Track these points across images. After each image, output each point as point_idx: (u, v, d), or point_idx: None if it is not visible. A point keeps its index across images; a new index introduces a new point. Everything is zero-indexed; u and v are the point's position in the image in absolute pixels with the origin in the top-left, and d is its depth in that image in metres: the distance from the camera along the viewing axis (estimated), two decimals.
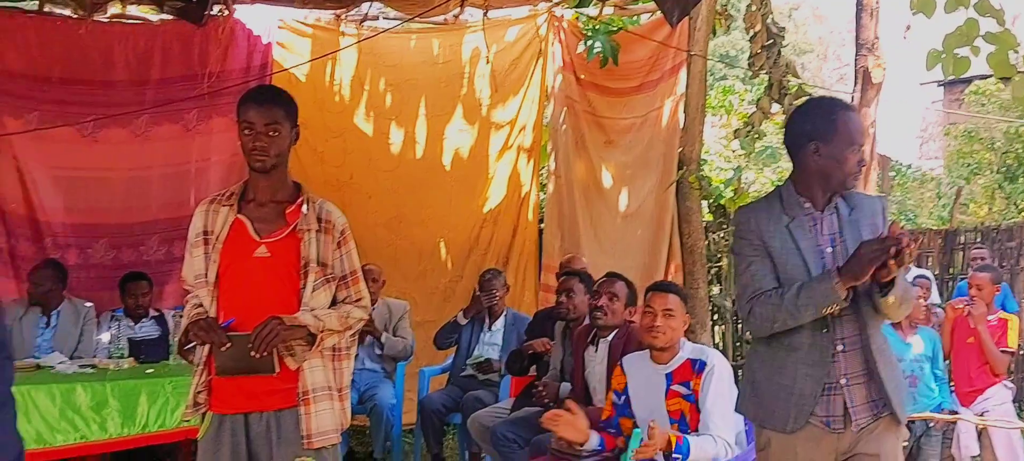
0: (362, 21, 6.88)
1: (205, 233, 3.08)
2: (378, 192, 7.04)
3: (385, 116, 7.04)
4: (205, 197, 6.24)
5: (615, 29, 6.94)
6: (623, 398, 3.98)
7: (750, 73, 6.85)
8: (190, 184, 6.59)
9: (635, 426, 3.85)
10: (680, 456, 3.59)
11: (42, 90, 6.26)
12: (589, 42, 6.71)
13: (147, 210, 6.52)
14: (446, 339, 6.20)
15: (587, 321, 4.81)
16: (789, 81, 6.16)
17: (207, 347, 2.99)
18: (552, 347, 5.37)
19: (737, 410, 3.18)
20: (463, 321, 6.14)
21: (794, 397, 2.85)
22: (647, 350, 3.95)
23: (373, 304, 6.23)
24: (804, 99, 5.98)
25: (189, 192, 6.57)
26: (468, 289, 7.14)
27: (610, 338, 4.56)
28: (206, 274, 3.05)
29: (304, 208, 3.08)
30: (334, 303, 3.11)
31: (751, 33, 6.20)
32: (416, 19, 6.77)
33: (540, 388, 5.00)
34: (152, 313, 5.99)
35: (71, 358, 5.41)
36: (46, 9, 6.40)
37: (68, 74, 6.30)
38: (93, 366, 5.23)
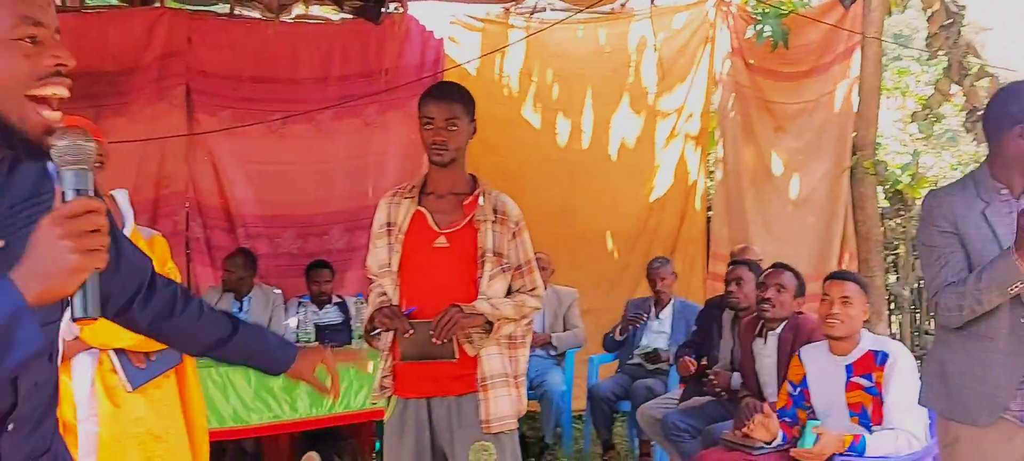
0: (530, 13, 7.00)
1: (388, 225, 3.24)
2: (546, 182, 7.13)
3: (552, 107, 7.13)
4: (383, 189, 6.51)
5: (785, 12, 6.79)
6: (799, 389, 3.93)
7: (927, 54, 6.59)
8: (369, 176, 6.87)
9: (809, 418, 3.80)
10: (854, 454, 3.53)
11: (234, 88, 6.66)
12: (758, 26, 6.59)
13: (330, 201, 6.84)
14: (612, 348, 6.28)
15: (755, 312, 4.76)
16: (969, 61, 5.89)
17: (391, 334, 3.16)
18: (697, 365, 5.33)
19: (920, 402, 3.09)
20: (619, 337, 6.18)
21: (987, 388, 2.75)
22: (825, 341, 3.89)
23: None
24: (985, 80, 5.72)
25: (368, 184, 6.86)
26: (635, 277, 7.17)
27: (779, 331, 4.48)
28: (389, 263, 3.20)
29: (481, 200, 3.19)
30: (510, 292, 3.22)
31: (928, 12, 5.96)
32: (583, 9, 6.84)
33: (711, 377, 4.99)
34: (335, 299, 6.29)
35: None
36: (237, 12, 6.83)
37: (257, 73, 6.69)
38: None
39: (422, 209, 3.19)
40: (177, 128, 6.53)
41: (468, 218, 3.16)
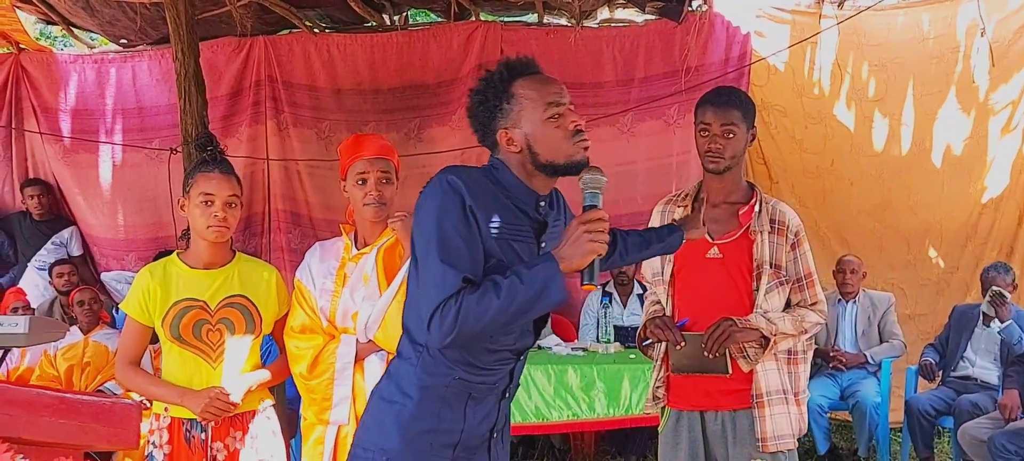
0: (841, 2, 6.62)
1: None
2: (861, 178, 6.71)
3: (868, 100, 6.66)
4: (685, 188, 6.42)
5: None
6: None
7: None
8: (672, 176, 6.82)
9: None
10: None
11: None
12: None
13: (632, 202, 6.84)
14: (928, 377, 5.83)
15: None
16: None
17: (664, 344, 3.14)
18: None
19: None
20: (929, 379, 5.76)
21: None
22: None
23: (854, 297, 6.02)
24: None
25: (671, 184, 6.80)
26: (964, 281, 6.61)
27: None
28: (662, 272, 3.20)
29: (757, 209, 3.09)
30: (788, 306, 3.09)
31: None
32: None
33: None
34: (637, 289, 6.29)
35: None
36: (545, 21, 7.06)
37: (563, 78, 6.79)
38: (583, 349, 5.69)
39: None
40: None
41: (743, 229, 3.07)
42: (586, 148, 2.26)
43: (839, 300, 6.01)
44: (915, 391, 5.88)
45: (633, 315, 6.26)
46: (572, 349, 5.66)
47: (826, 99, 6.72)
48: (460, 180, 2.14)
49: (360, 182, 3.07)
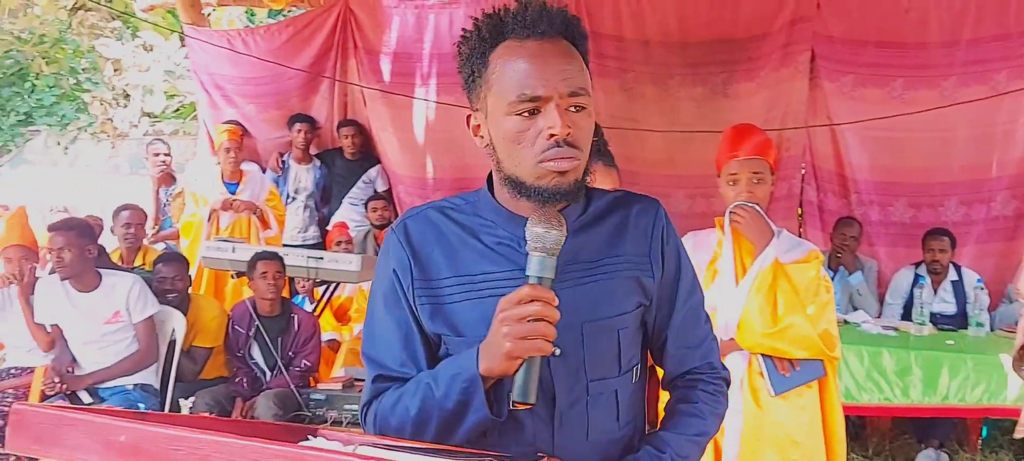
0: None
1: None
2: None
3: None
4: (1009, 163, 6.03)
5: None
6: None
7: None
8: (994, 147, 6.40)
9: None
10: None
11: (857, 54, 6.54)
12: None
13: (948, 171, 6.49)
14: None
15: None
16: None
17: None
18: None
19: None
20: None
21: None
22: None
23: None
24: None
25: (992, 155, 6.41)
26: None
27: None
28: None
29: None
30: None
31: None
32: None
33: None
34: (952, 276, 6.01)
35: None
36: None
37: (884, 38, 6.48)
38: (895, 328, 5.51)
39: None
40: (800, 93, 6.66)
41: None
42: (561, 172, 1.48)
43: None
44: None
45: (944, 302, 5.98)
46: (883, 328, 5.50)
47: None
48: (402, 228, 1.65)
49: (731, 183, 3.09)
